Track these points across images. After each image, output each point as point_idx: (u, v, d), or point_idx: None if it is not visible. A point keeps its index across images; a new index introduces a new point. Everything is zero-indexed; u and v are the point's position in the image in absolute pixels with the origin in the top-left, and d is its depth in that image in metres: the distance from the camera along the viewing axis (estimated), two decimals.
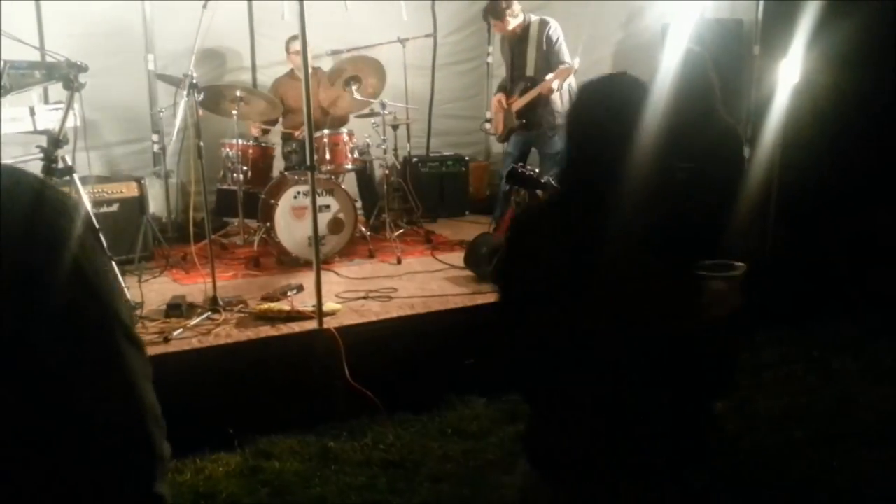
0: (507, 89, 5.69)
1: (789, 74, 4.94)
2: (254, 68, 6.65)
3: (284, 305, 4.10)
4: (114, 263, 1.07)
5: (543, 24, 5.41)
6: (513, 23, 5.42)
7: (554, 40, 5.37)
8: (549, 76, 5.24)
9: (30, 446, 1.13)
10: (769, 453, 3.46)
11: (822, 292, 5.10)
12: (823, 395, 4.10)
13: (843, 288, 5.14)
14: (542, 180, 3.47)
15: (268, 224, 5.22)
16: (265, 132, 6.17)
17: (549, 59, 5.35)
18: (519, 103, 5.45)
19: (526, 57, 5.45)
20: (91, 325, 1.14)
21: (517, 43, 5.51)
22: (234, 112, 5.24)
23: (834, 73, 4.91)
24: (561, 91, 5.32)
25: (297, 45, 5.97)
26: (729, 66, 5.03)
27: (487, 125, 5.99)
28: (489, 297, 4.48)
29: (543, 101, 5.37)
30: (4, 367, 1.06)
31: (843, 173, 5.20)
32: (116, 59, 5.82)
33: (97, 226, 1.10)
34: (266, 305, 4.10)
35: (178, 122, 3.91)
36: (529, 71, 5.43)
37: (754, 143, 5.21)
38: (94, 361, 1.14)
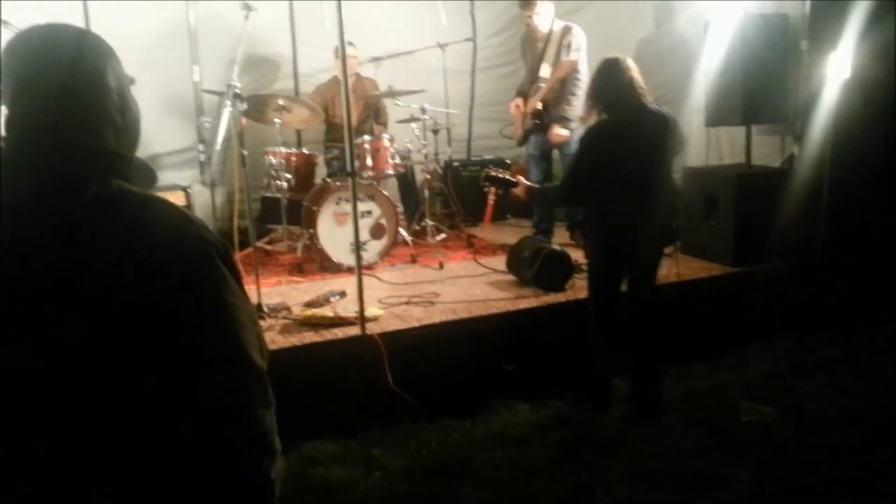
0: (524, 93, 5.75)
1: (839, 69, 4.81)
2: (296, 76, 6.72)
3: (327, 311, 4.11)
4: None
5: (566, 30, 5.46)
6: (537, 20, 5.46)
7: (574, 48, 5.41)
8: (550, 73, 5.43)
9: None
10: (824, 461, 3.36)
11: (873, 292, 4.96)
12: (875, 397, 3.98)
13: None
14: (514, 179, 3.95)
15: (311, 230, 5.26)
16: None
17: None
18: (531, 104, 5.55)
19: (542, 60, 5.50)
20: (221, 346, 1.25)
21: (537, 45, 5.56)
22: (277, 121, 5.28)
23: (886, 68, 4.76)
24: (573, 93, 5.40)
25: (349, 51, 6.03)
26: (774, 61, 4.93)
27: (509, 129, 6.07)
28: (531, 302, 4.45)
29: (555, 101, 5.47)
30: (149, 354, 1.17)
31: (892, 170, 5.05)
32: (162, 72, 5.93)
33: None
34: (310, 311, 4.12)
35: (221, 131, 3.96)
36: (544, 73, 5.50)
37: (802, 140, 5.09)
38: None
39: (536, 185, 4.10)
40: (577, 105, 5.34)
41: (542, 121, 5.54)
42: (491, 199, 4.09)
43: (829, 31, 4.80)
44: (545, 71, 5.49)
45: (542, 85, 5.49)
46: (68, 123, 1.22)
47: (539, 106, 5.52)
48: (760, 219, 4.93)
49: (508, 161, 7.31)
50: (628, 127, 3.61)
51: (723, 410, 3.97)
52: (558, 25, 5.49)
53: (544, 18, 5.47)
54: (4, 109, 1.24)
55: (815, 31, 4.87)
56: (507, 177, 3.98)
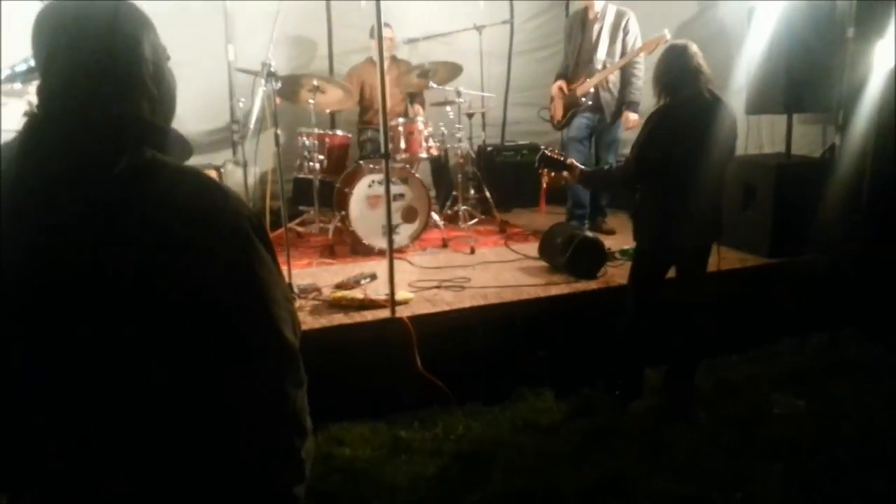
0: (566, 76, 5.75)
1: (885, 58, 4.67)
2: (331, 57, 6.70)
3: (358, 294, 4.11)
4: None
5: (623, 13, 5.51)
6: (596, 3, 5.49)
7: (632, 31, 5.48)
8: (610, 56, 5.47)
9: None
10: (857, 457, 3.30)
11: None
12: None
13: None
14: (567, 162, 3.88)
15: (342, 213, 5.26)
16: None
17: (624, 50, 5.48)
18: (588, 85, 5.52)
19: (598, 43, 5.50)
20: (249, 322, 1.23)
21: (590, 28, 5.55)
22: (311, 101, 5.28)
23: None
24: (637, 77, 5.47)
25: (385, 32, 5.99)
26: (819, 49, 4.81)
27: (546, 112, 6.04)
28: (563, 288, 4.42)
29: (623, 84, 5.53)
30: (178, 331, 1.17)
31: None
32: (198, 51, 5.93)
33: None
34: (340, 293, 4.12)
35: (255, 110, 3.96)
36: (601, 56, 5.51)
37: (845, 131, 4.97)
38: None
39: (588, 169, 4.06)
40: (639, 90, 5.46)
41: (594, 102, 5.55)
42: (545, 181, 4.00)
43: (877, 19, 4.66)
44: (602, 53, 5.49)
45: (600, 67, 5.49)
46: (103, 93, 1.20)
47: (591, 89, 5.52)
48: (799, 210, 4.83)
49: (543, 146, 7.22)
50: (692, 114, 3.57)
51: (754, 403, 3.92)
52: (611, 9, 5.52)
53: (600, 1, 5.51)
54: (37, 80, 1.23)
55: (862, 19, 4.74)
56: (561, 158, 3.92)
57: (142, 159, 1.18)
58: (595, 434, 3.61)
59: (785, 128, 5.06)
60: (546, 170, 3.94)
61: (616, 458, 3.38)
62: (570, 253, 4.54)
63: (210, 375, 1.19)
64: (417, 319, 3.93)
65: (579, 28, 5.65)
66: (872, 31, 4.69)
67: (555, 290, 4.37)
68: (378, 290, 4.20)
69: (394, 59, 6.19)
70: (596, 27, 5.51)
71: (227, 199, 1.23)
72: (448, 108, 5.95)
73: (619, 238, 5.43)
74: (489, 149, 6.96)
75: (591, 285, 4.48)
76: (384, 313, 3.93)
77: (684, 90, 3.57)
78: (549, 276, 4.66)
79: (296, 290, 4.18)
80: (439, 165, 6.29)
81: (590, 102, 5.57)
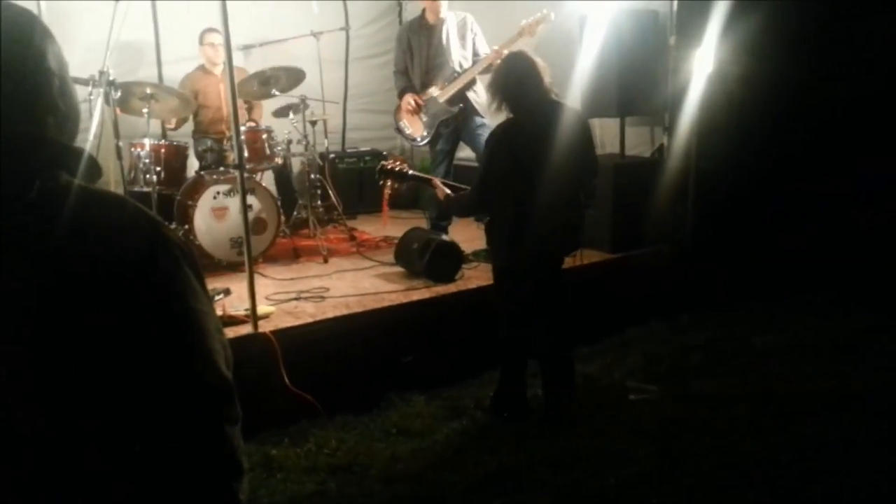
0: (415, 89, 5.39)
1: (704, 64, 5.08)
2: (159, 63, 6.33)
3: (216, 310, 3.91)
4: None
5: (462, 16, 5.37)
6: (441, 10, 5.23)
7: (479, 32, 5.36)
8: (486, 55, 5.13)
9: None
10: (715, 432, 3.55)
11: (741, 275, 5.30)
12: (752, 373, 4.25)
13: (761, 269, 5.35)
14: (409, 173, 3.81)
15: (185, 227, 4.99)
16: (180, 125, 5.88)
17: (475, 51, 5.31)
18: (453, 88, 5.20)
19: (450, 46, 5.26)
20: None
21: (435, 32, 5.29)
22: (145, 110, 4.96)
23: (746, 63, 5.09)
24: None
25: (210, 38, 5.75)
26: (646, 56, 5.16)
27: (408, 131, 5.49)
28: (423, 293, 4.44)
29: (468, 88, 5.22)
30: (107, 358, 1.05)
31: (755, 157, 5.41)
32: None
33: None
34: None
35: (94, 122, 3.67)
36: (454, 62, 5.25)
37: (671, 132, 5.34)
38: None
39: (451, 194, 3.79)
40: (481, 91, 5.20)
41: (462, 107, 5.24)
42: (386, 192, 3.91)
43: (695, 28, 5.06)
44: (457, 55, 5.24)
45: (458, 69, 5.22)
46: (11, 110, 1.05)
47: (459, 87, 5.19)
48: (635, 207, 5.14)
49: (385, 152, 7.25)
50: (537, 126, 3.45)
51: (610, 391, 4.11)
52: (449, 13, 5.30)
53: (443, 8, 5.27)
54: None
55: (682, 28, 5.13)
56: (404, 170, 3.83)
57: (56, 184, 1.05)
58: (469, 434, 3.65)
59: (617, 130, 5.38)
60: (388, 181, 3.86)
61: (494, 455, 3.43)
62: (427, 258, 4.57)
63: (141, 417, 1.08)
64: (281, 333, 3.81)
65: (423, 35, 5.34)
66: (692, 40, 5.08)
67: (416, 296, 4.39)
68: (235, 306, 4.02)
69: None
70: (442, 31, 5.25)
71: (155, 226, 1.12)
72: (292, 115, 5.81)
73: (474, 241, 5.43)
74: (331, 156, 6.88)
75: (450, 288, 4.53)
76: (245, 329, 3.77)
77: (525, 100, 3.47)
78: (408, 281, 4.67)
79: None
80: (283, 174, 6.13)
81: (460, 106, 5.24)
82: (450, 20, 5.31)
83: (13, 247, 1.01)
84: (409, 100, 5.36)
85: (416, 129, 5.45)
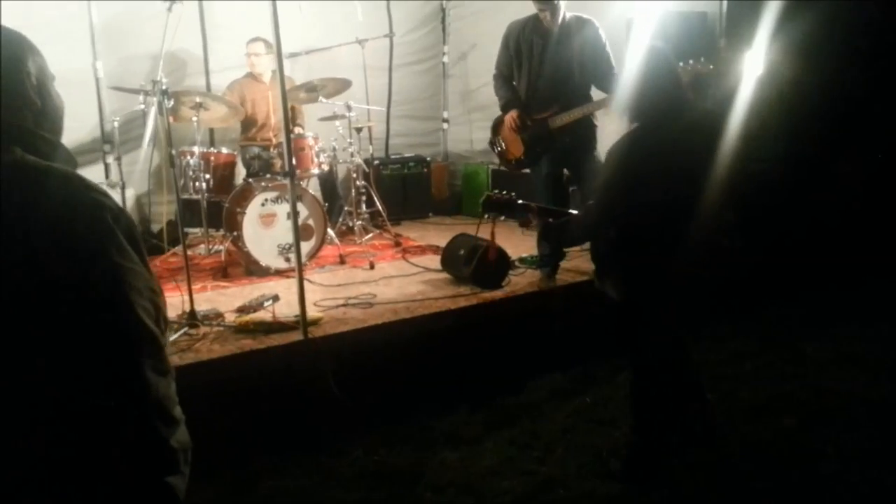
0: (519, 104, 4.65)
1: (754, 66, 4.99)
2: (207, 73, 6.43)
3: (265, 316, 3.95)
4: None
5: (585, 21, 4.57)
6: (558, 13, 4.50)
7: (604, 43, 4.58)
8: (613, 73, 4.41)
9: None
10: (759, 443, 3.48)
11: (785, 279, 5.19)
12: (800, 381, 4.15)
13: (803, 274, 5.23)
14: (519, 201, 3.25)
15: (234, 233, 5.06)
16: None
17: (598, 68, 4.55)
18: (564, 119, 4.51)
19: (567, 61, 4.53)
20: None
21: (545, 42, 4.54)
22: (194, 118, 5.04)
23: (797, 65, 4.99)
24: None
25: (255, 48, 5.83)
26: (694, 58, 5.07)
27: (502, 149, 4.82)
28: (471, 300, 4.42)
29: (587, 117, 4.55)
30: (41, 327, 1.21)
31: (803, 162, 5.30)
32: (61, 68, 5.53)
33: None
34: (246, 318, 3.95)
35: (148, 130, 3.74)
36: (576, 79, 4.55)
37: (720, 135, 5.25)
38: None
39: (550, 220, 3.29)
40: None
41: (572, 140, 4.57)
42: (492, 228, 3.34)
43: (745, 30, 4.97)
44: (580, 77, 4.55)
45: (576, 96, 4.55)
46: None
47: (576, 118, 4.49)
48: None
49: (428, 158, 7.27)
50: (678, 139, 2.93)
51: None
52: (573, 20, 4.57)
53: (559, 9, 4.50)
54: None
55: (732, 30, 5.05)
56: (511, 199, 3.22)
57: (9, 157, 1.25)
58: (518, 443, 3.62)
59: None
60: (492, 216, 3.30)
61: (541, 464, 3.40)
62: (474, 264, 4.55)
63: (72, 364, 1.22)
64: (330, 339, 3.82)
65: (537, 40, 4.55)
66: (741, 42, 5.00)
67: (464, 302, 4.37)
68: (284, 312, 4.06)
69: (275, 73, 6.02)
70: (559, 39, 4.50)
71: (90, 190, 1.29)
72: (337, 122, 5.86)
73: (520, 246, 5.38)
74: (376, 162, 6.91)
75: (496, 295, 4.51)
76: (295, 335, 3.80)
77: (660, 111, 2.95)
78: (455, 287, 4.65)
79: (198, 316, 3.96)
80: (329, 181, 6.17)
81: (567, 140, 4.57)
82: (572, 25, 4.56)
83: None
84: (511, 117, 4.66)
85: (514, 150, 4.76)
